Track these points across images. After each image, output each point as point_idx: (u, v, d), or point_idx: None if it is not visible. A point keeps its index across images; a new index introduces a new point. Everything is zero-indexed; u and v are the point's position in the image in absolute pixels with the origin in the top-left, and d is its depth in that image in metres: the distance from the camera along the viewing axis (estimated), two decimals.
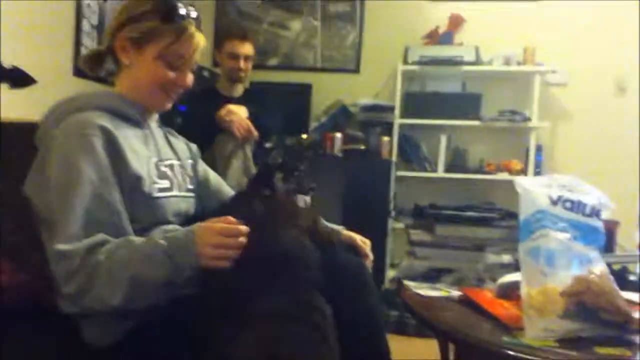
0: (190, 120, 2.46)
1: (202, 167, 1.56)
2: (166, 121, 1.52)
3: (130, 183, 1.20)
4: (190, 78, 1.33)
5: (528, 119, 3.57)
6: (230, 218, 1.12)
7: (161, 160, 1.33)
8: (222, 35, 2.86)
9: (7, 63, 2.08)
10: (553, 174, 1.71)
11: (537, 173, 3.55)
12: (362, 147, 3.52)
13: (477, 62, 3.60)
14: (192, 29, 1.28)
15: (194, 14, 1.30)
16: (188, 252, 1.08)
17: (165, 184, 1.30)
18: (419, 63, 3.60)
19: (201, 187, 1.50)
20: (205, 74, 3.43)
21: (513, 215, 1.87)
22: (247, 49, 2.75)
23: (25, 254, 1.27)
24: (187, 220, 1.37)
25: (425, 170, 3.65)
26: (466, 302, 1.54)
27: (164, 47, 1.26)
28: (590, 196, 1.56)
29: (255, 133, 2.47)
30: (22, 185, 1.22)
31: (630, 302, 1.43)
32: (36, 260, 1.18)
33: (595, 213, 1.55)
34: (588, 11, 3.69)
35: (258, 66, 3.37)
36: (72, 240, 1.09)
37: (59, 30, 2.82)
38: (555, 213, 1.50)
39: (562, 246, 1.44)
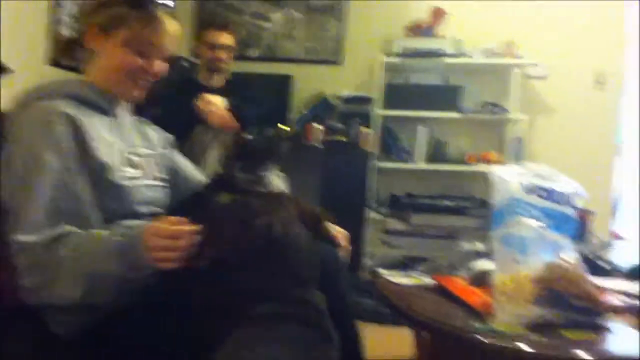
0: (168, 110, 2.43)
1: (177, 157, 1.54)
2: (144, 111, 1.50)
3: (96, 171, 1.18)
4: (160, 66, 1.31)
5: (507, 112, 3.59)
6: (175, 218, 1.07)
7: (130, 149, 1.31)
8: (202, 26, 2.84)
9: None
10: None
11: None
12: (343, 139, 3.52)
13: (459, 54, 3.61)
14: (162, 15, 1.27)
15: (165, 1, 1.28)
16: (138, 252, 1.05)
17: (134, 172, 1.28)
18: (401, 55, 3.61)
19: (175, 177, 1.49)
20: (185, 64, 3.40)
21: (488, 205, 1.88)
22: (228, 39, 2.73)
23: None
24: (165, 209, 1.35)
25: (405, 161, 3.66)
26: (439, 290, 1.55)
27: (132, 33, 1.24)
28: (564, 185, 1.58)
29: (235, 124, 2.46)
30: None
31: (600, 289, 1.45)
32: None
33: (568, 202, 1.56)
34: (568, 5, 3.72)
35: (239, 57, 3.35)
36: (34, 231, 1.07)
37: (35, 19, 2.77)
38: (529, 201, 1.51)
39: (534, 234, 1.45)
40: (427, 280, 1.61)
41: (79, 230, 1.11)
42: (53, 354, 1.18)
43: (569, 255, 1.43)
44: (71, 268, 1.06)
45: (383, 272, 1.67)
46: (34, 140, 1.13)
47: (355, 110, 3.62)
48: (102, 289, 1.07)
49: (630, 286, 1.62)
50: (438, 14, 3.78)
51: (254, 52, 4.03)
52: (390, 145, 3.72)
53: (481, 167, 3.51)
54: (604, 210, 3.50)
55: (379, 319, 2.30)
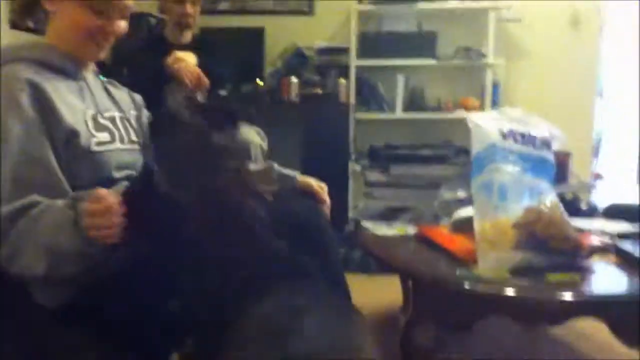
0: (136, 69, 2.36)
1: (147, 117, 1.50)
2: (110, 71, 1.44)
3: (64, 138, 1.14)
4: (120, 25, 1.25)
5: (484, 56, 3.55)
6: (99, 193, 1.00)
7: (100, 112, 1.27)
8: None
9: None
10: None
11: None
12: (319, 91, 3.46)
13: None
14: None
15: None
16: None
17: (105, 137, 1.24)
18: (374, 2, 3.53)
19: (147, 139, 1.45)
20: (152, 20, 3.29)
21: (467, 152, 1.88)
22: None
23: None
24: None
25: (384, 111, 3.63)
26: (422, 239, 1.56)
27: None
28: (540, 128, 1.58)
29: (206, 81, 2.39)
30: None
31: (580, 230, 1.47)
32: None
33: (545, 145, 1.57)
34: None
35: (207, 11, 3.24)
36: (5, 201, 1.04)
37: None
38: (506, 147, 1.51)
39: (513, 179, 1.46)
40: (410, 230, 1.62)
41: (44, 201, 1.08)
42: (37, 325, 1.17)
43: (548, 199, 1.44)
44: (31, 242, 1.03)
45: (366, 224, 1.67)
46: None
47: (330, 61, 3.55)
48: (65, 264, 1.03)
49: (609, 225, 1.65)
50: None
51: (223, 5, 3.90)
52: (367, 96, 3.68)
53: (460, 114, 3.50)
54: (585, 151, 3.53)
55: (365, 269, 2.33)
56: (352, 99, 3.52)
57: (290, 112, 3.36)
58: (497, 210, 1.41)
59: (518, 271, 1.31)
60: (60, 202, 1.07)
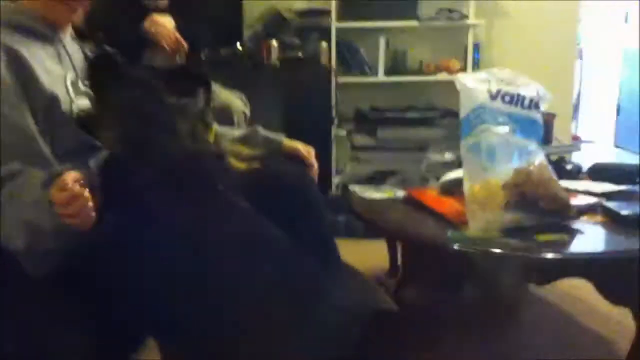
0: (112, 34, 2.28)
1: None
2: (85, 36, 1.38)
3: (44, 105, 1.10)
4: None
5: (465, 17, 3.52)
6: (64, 181, 0.94)
7: (79, 77, 1.22)
8: None
9: None
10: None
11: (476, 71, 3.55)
12: (300, 55, 3.40)
13: None
14: None
15: None
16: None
17: (85, 103, 1.20)
18: None
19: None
20: None
21: (453, 114, 1.87)
22: None
23: None
24: None
25: (366, 74, 3.59)
26: (411, 202, 1.56)
27: None
28: (529, 88, 1.57)
29: (185, 45, 2.33)
30: None
31: (568, 190, 1.47)
32: None
33: (534, 105, 1.56)
34: None
35: None
36: None
37: None
38: (495, 107, 1.50)
39: (502, 140, 1.45)
40: (399, 194, 1.62)
41: (24, 171, 1.04)
42: (24, 293, 1.14)
43: (537, 160, 1.44)
44: (13, 217, 1.00)
45: (354, 188, 1.66)
46: None
47: (311, 24, 3.48)
48: (40, 241, 1.00)
49: (594, 186, 1.66)
50: None
51: None
52: (348, 59, 3.62)
53: (444, 76, 3.48)
54: (565, 113, 3.55)
55: (351, 234, 2.33)
56: (334, 63, 3.47)
57: (270, 76, 3.29)
58: (486, 172, 1.41)
59: (508, 232, 1.32)
60: (39, 176, 1.02)
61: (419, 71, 3.61)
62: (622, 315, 1.55)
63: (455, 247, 1.29)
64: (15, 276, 1.10)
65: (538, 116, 1.54)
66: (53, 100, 1.12)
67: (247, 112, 2.55)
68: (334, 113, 3.36)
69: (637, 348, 1.41)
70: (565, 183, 1.51)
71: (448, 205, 1.46)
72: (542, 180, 1.38)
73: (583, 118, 4.04)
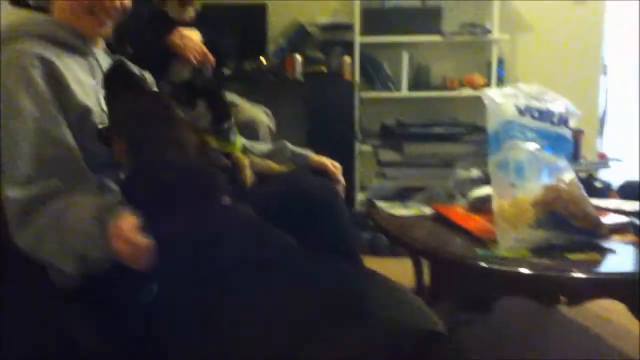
0: (140, 47, 2.31)
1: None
2: (114, 49, 1.40)
3: (77, 116, 1.11)
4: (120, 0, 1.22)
5: (489, 32, 3.50)
6: (120, 229, 0.91)
7: None
8: None
9: None
10: None
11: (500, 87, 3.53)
12: (324, 69, 3.41)
13: None
14: None
15: None
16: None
17: None
18: None
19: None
20: None
21: (480, 130, 1.85)
22: None
23: None
24: None
25: (389, 89, 3.58)
26: (438, 219, 1.54)
27: None
28: (557, 104, 1.55)
29: (211, 58, 2.35)
30: None
31: (598, 208, 1.45)
32: None
33: (562, 121, 1.54)
34: None
35: None
36: (23, 183, 1.01)
37: None
38: (524, 123, 1.48)
39: (530, 157, 1.43)
40: (426, 210, 1.60)
41: (64, 187, 1.04)
42: (51, 303, 1.14)
43: (567, 176, 1.41)
44: (58, 240, 0.99)
45: (380, 204, 1.64)
46: (8, 86, 1.05)
47: (335, 38, 3.49)
48: (92, 266, 1.00)
49: (626, 204, 1.63)
50: None
51: None
52: (371, 73, 3.63)
53: (468, 92, 3.46)
54: (590, 130, 3.51)
55: (376, 251, 2.30)
56: (357, 77, 3.47)
57: (294, 90, 3.31)
58: (515, 188, 1.38)
59: (538, 250, 1.29)
60: (88, 207, 1.00)
61: (443, 86, 3.60)
62: None
63: (484, 265, 1.26)
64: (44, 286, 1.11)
65: (567, 132, 1.52)
66: (86, 112, 1.12)
67: (272, 126, 2.56)
68: (357, 128, 3.36)
69: None
70: (595, 201, 1.48)
71: (476, 223, 1.44)
72: (572, 197, 1.35)
73: (609, 135, 4.00)
